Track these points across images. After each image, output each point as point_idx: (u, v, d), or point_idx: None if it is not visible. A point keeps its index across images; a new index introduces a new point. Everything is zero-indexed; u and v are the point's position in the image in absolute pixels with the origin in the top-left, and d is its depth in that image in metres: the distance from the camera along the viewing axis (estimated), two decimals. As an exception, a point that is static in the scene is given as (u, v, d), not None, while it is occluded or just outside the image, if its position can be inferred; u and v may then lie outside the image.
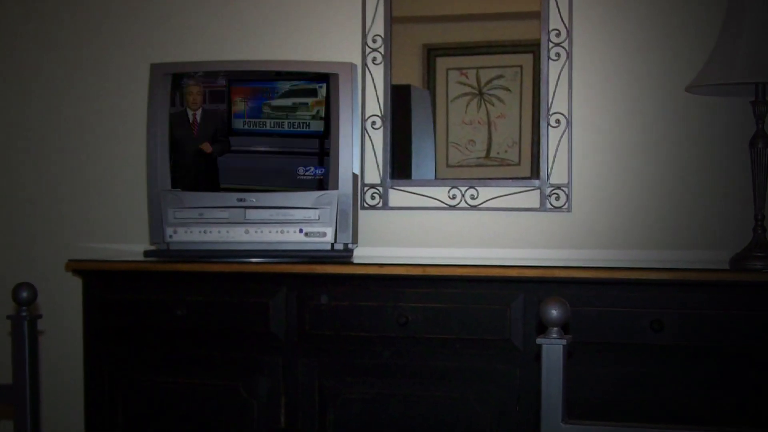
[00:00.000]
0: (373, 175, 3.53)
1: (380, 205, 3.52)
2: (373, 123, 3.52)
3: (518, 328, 2.90)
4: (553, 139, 3.38)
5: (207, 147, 3.30)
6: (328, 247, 3.23)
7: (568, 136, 3.37)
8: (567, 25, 3.37)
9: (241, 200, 3.26)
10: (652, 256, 3.30)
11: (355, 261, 3.19)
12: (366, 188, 3.52)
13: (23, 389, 2.20)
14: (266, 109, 3.29)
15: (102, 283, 3.22)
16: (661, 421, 2.77)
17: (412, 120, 3.55)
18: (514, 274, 2.91)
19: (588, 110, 3.38)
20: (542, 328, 1.79)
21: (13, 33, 3.84)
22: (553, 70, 3.38)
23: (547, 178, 3.39)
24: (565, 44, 3.37)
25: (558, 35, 3.38)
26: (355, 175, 3.29)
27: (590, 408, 2.80)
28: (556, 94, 3.38)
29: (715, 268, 2.92)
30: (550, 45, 3.38)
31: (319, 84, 3.26)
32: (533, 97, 3.41)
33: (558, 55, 3.38)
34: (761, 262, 2.91)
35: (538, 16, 3.39)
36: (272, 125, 3.28)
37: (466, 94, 3.48)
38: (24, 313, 2.22)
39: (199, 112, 3.31)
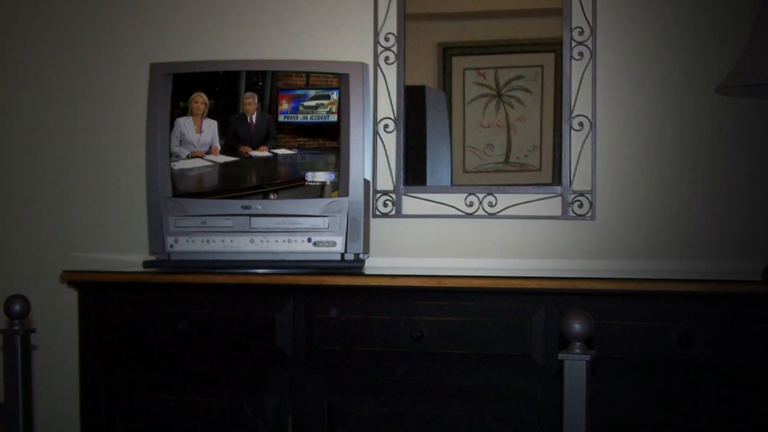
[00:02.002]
0: (385, 181, 3.53)
1: (393, 212, 3.52)
2: (386, 126, 3.52)
3: (539, 343, 2.89)
4: (575, 142, 3.38)
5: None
6: (338, 258, 3.23)
7: (592, 139, 3.37)
8: (590, 23, 3.37)
9: (246, 207, 3.26)
10: (680, 266, 3.29)
11: (367, 272, 3.18)
12: (378, 195, 3.52)
13: (16, 407, 2.20)
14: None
15: (99, 295, 3.23)
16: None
17: (427, 123, 3.55)
18: (535, 285, 2.90)
19: (613, 112, 3.37)
20: (564, 343, 1.79)
21: (10, 33, 3.86)
22: (575, 70, 3.38)
23: (570, 185, 3.38)
24: (589, 43, 3.37)
25: (581, 33, 3.38)
26: (366, 181, 3.29)
27: (615, 427, 2.79)
28: (579, 95, 3.37)
29: (747, 279, 2.91)
30: (573, 44, 3.38)
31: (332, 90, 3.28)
32: (555, 99, 3.41)
33: (581, 54, 3.37)
34: (796, 273, 2.90)
35: (560, 13, 3.39)
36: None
37: (483, 96, 3.48)
38: (16, 327, 2.23)
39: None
